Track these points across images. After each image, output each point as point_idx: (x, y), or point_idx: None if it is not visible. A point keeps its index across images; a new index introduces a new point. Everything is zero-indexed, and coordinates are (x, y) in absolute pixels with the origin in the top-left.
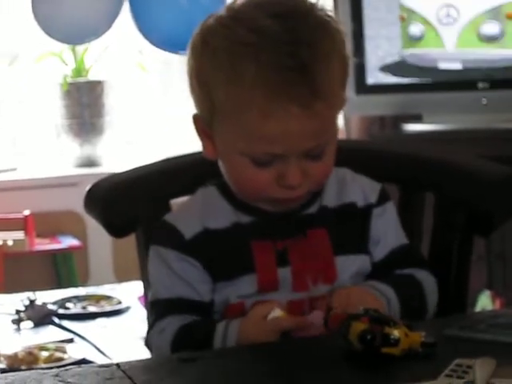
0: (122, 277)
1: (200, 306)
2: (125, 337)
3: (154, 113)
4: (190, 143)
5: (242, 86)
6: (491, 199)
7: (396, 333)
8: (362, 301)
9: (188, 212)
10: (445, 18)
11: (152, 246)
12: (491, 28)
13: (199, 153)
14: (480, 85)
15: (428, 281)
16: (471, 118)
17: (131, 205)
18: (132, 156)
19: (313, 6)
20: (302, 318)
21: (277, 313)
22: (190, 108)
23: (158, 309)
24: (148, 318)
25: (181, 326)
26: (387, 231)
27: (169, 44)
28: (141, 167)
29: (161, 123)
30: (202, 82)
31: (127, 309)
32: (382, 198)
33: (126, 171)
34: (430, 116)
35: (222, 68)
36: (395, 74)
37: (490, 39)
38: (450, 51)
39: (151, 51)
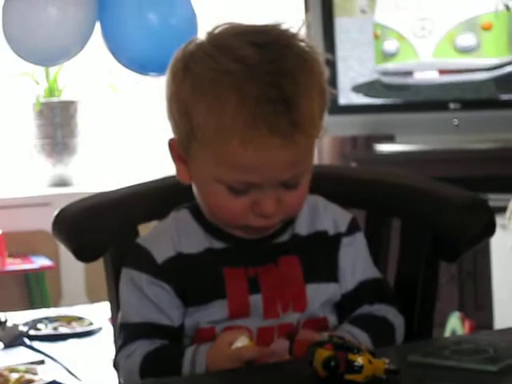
0: (94, 297)
1: (170, 331)
2: (96, 358)
3: (126, 133)
4: (162, 163)
5: (224, 115)
6: (456, 225)
7: (360, 360)
8: None
9: (161, 236)
10: (420, 32)
11: (125, 268)
12: (467, 39)
13: (169, 177)
14: (451, 105)
15: (398, 322)
16: (443, 138)
17: (99, 230)
18: (105, 176)
19: (294, 36)
20: (264, 348)
21: (242, 342)
22: (161, 129)
23: (127, 332)
24: (116, 341)
25: (150, 351)
26: (355, 262)
27: (139, 66)
28: (109, 192)
29: (133, 143)
30: (181, 108)
31: (99, 330)
32: (352, 228)
33: (94, 195)
34: (403, 136)
35: (203, 96)
36: (367, 95)
37: (467, 50)
38: (426, 61)
39: (123, 72)
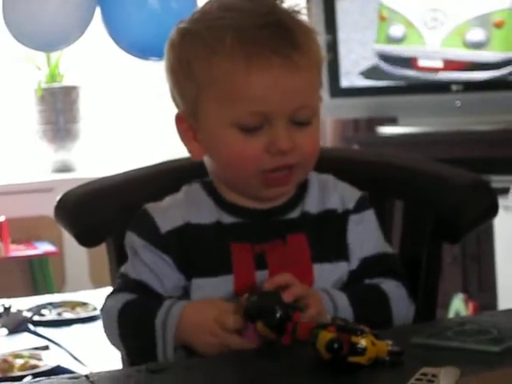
0: (98, 282)
1: (161, 298)
2: (100, 343)
3: (128, 118)
4: (165, 147)
5: (224, 50)
6: (458, 206)
7: (363, 342)
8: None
9: (170, 205)
10: (430, 22)
11: (129, 231)
12: (477, 35)
13: (171, 161)
14: (454, 87)
15: (398, 293)
16: (445, 120)
17: (101, 215)
18: (107, 161)
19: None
20: (236, 338)
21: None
22: (163, 114)
23: (122, 282)
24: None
25: (130, 300)
26: (364, 240)
27: (139, 50)
28: (111, 176)
29: (135, 128)
30: (184, 66)
31: None
32: (361, 206)
33: (96, 180)
34: (405, 119)
35: (204, 45)
36: (369, 77)
37: (475, 46)
38: (432, 49)
39: (125, 57)
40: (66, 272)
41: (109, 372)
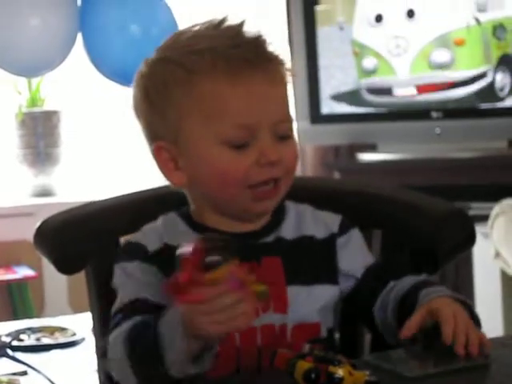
0: (77, 307)
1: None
2: (79, 369)
3: (109, 143)
4: (146, 173)
5: (204, 69)
6: (434, 236)
7: (340, 372)
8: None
9: (149, 232)
10: (395, 50)
11: (116, 265)
12: (441, 56)
13: (152, 189)
14: (434, 114)
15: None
16: (425, 147)
17: (80, 243)
18: (88, 186)
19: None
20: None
21: None
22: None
23: (123, 313)
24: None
25: (137, 321)
26: (357, 255)
27: (121, 76)
28: (91, 203)
29: (116, 153)
30: (162, 91)
31: (82, 340)
32: (345, 227)
33: (76, 207)
34: (385, 145)
35: (180, 66)
36: (350, 104)
37: (441, 66)
38: (404, 77)
39: (105, 82)
40: (46, 297)
41: None
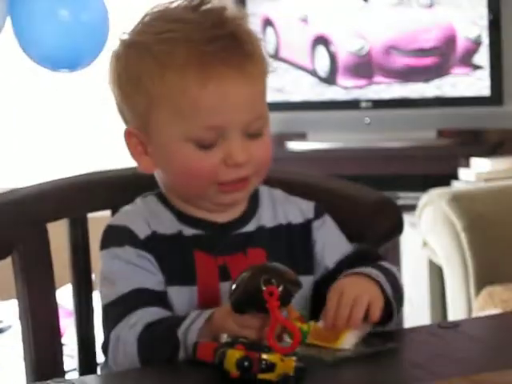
0: (3, 295)
1: (162, 297)
2: (5, 356)
3: (39, 130)
4: (79, 158)
5: (176, 65)
6: (364, 224)
7: (272, 358)
8: (362, 290)
9: (134, 216)
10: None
11: (104, 250)
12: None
13: (80, 175)
14: (363, 104)
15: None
16: (355, 136)
17: (5, 230)
18: (18, 172)
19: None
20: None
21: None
22: (76, 122)
23: (126, 303)
24: (104, 320)
25: (148, 323)
26: (334, 239)
27: (50, 62)
28: (15, 190)
29: (47, 138)
30: (134, 80)
31: (8, 328)
32: (319, 212)
33: (4, 193)
34: (315, 134)
35: (153, 58)
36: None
37: None
38: None
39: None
40: None
41: None
